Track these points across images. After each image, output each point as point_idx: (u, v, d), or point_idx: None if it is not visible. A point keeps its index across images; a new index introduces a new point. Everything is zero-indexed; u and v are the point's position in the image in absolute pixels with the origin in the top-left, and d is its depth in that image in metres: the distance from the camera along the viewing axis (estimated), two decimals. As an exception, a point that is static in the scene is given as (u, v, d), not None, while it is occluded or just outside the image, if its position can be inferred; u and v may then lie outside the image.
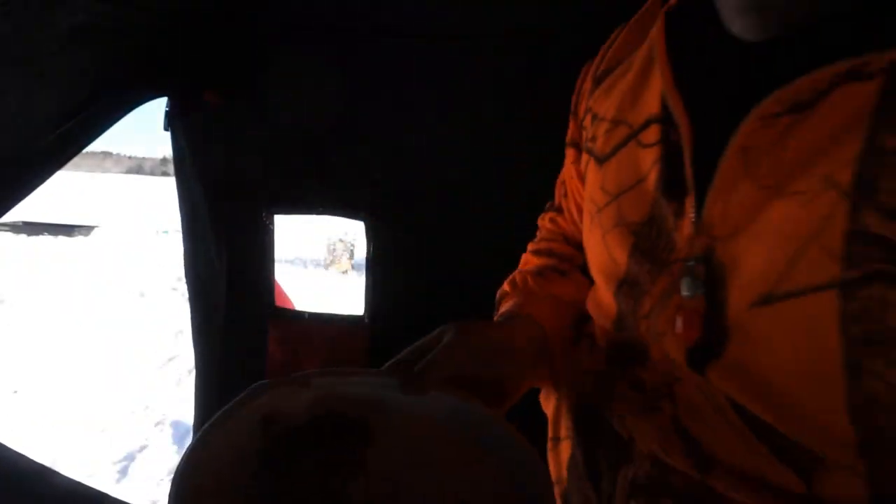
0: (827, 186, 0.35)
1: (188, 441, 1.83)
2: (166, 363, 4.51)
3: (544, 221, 0.73)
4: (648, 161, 0.47)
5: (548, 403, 0.62)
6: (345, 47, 1.38)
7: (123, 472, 2.94)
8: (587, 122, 0.58)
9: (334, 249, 9.21)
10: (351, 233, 9.11)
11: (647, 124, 0.48)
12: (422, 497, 0.48)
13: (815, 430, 0.36)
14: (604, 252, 0.52)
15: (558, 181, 0.71)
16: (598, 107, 0.56)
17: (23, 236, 11.20)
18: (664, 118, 0.46)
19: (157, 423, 3.48)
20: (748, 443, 0.39)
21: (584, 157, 0.58)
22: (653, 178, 0.46)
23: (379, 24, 1.35)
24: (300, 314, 1.54)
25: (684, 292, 0.42)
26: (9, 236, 11.07)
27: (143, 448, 3.18)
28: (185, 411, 2.21)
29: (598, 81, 0.57)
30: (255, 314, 1.58)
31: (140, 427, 3.44)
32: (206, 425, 0.49)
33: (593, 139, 0.55)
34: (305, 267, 9.13)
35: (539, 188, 0.96)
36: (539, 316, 0.59)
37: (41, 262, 8.56)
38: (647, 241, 0.47)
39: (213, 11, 1.33)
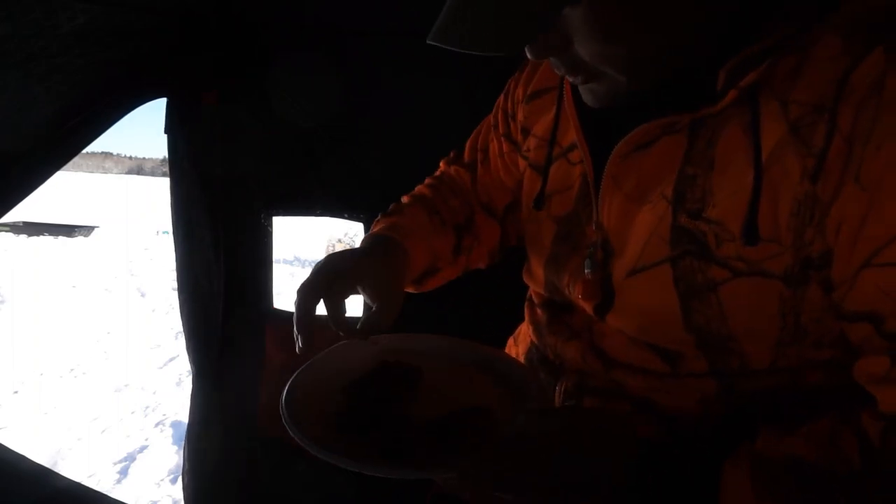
0: (661, 198, 0.56)
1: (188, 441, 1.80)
2: (166, 363, 4.51)
3: (448, 168, 0.91)
4: (575, 174, 0.66)
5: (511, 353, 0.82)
6: (343, 48, 1.39)
7: (124, 473, 2.94)
8: (520, 133, 0.76)
9: (334, 250, 9.19)
10: (351, 233, 9.10)
11: (571, 147, 0.67)
12: (452, 406, 0.64)
13: (672, 339, 0.57)
14: (536, 236, 0.72)
15: (477, 145, 0.87)
16: (529, 123, 0.73)
17: (23, 236, 11.21)
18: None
19: (158, 424, 3.48)
20: (637, 348, 0.61)
21: (521, 161, 0.76)
22: (576, 187, 0.66)
23: (378, 25, 1.35)
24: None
25: (585, 269, 0.63)
26: (9, 236, 11.08)
27: (143, 448, 3.18)
28: (186, 412, 2.22)
29: (529, 98, 0.74)
30: (254, 315, 1.58)
31: (140, 427, 3.44)
32: (305, 365, 0.71)
33: (528, 150, 0.74)
34: (304, 268, 9.14)
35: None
36: (413, 250, 0.77)
37: (41, 262, 8.56)
38: (566, 230, 0.67)
39: (211, 13, 1.33)
